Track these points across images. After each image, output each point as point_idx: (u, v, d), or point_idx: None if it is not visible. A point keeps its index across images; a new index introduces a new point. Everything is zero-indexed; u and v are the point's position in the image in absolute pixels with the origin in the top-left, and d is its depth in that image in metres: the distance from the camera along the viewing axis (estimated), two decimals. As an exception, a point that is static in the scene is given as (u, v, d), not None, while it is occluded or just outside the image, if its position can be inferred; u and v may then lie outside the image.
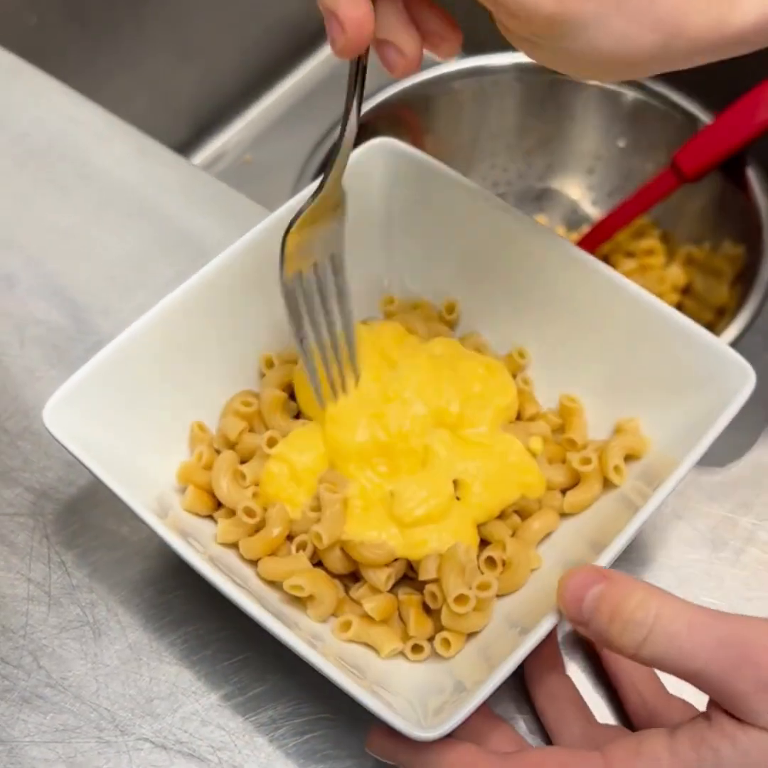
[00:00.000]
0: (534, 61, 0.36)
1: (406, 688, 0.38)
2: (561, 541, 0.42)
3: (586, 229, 0.76)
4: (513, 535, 0.42)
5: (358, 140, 0.50)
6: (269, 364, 0.45)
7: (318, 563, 0.41)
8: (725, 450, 0.45)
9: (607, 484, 0.42)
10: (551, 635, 0.40)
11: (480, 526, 0.41)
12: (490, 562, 0.40)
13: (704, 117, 0.69)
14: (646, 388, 0.42)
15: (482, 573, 0.40)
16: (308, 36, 0.88)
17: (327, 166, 0.38)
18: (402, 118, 0.73)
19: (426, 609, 0.40)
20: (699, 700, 0.35)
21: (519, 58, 0.70)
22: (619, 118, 0.74)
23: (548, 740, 0.40)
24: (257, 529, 0.41)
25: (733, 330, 0.67)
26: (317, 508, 0.40)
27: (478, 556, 0.40)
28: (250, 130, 0.87)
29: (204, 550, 0.40)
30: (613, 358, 0.43)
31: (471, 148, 0.75)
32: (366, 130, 0.70)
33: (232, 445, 0.43)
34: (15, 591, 0.45)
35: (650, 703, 0.39)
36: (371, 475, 0.41)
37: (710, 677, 0.31)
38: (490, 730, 0.38)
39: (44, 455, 0.48)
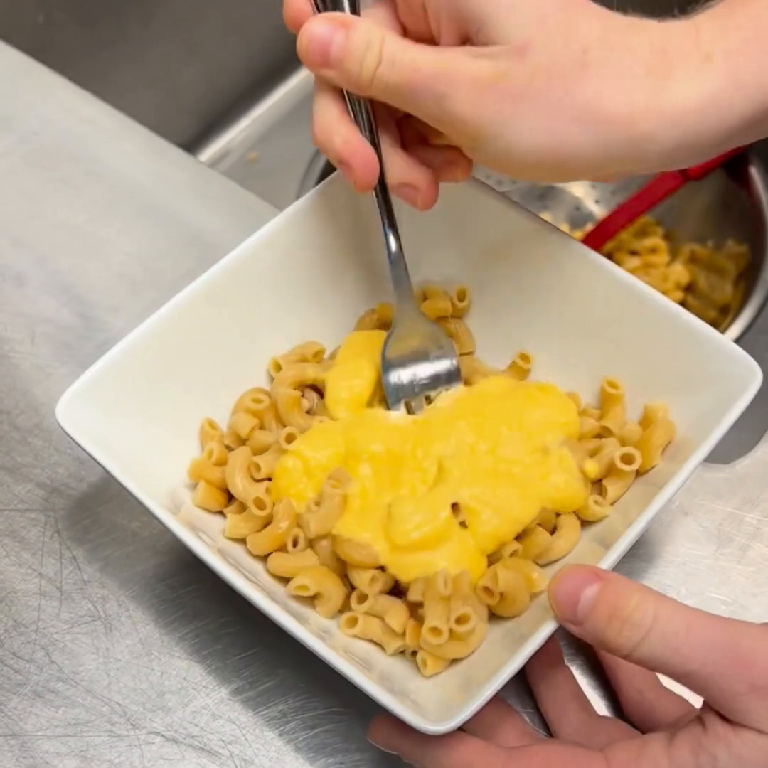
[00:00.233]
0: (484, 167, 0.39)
1: (414, 683, 0.39)
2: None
3: (589, 227, 0.77)
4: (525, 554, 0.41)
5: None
6: (277, 367, 0.46)
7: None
8: (731, 447, 0.46)
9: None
10: None
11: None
12: (487, 591, 0.39)
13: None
14: (653, 386, 0.43)
15: (482, 598, 0.39)
16: (314, 34, 0.88)
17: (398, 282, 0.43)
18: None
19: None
20: (695, 696, 0.35)
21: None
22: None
23: (550, 733, 0.40)
24: (265, 524, 0.41)
25: (736, 328, 0.67)
26: (320, 502, 0.41)
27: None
28: (256, 127, 0.88)
29: (214, 545, 0.40)
30: (619, 357, 0.44)
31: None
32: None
33: (242, 442, 0.44)
34: (27, 586, 0.45)
35: (647, 697, 0.40)
36: (373, 479, 0.41)
37: (704, 678, 0.32)
38: (500, 722, 0.38)
39: (55, 451, 0.49)
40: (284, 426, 0.44)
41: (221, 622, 0.44)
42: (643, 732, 0.39)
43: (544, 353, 0.46)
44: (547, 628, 0.35)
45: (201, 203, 0.57)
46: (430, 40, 0.37)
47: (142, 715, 0.42)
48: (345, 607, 0.41)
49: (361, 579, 0.40)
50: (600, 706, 0.42)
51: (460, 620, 0.38)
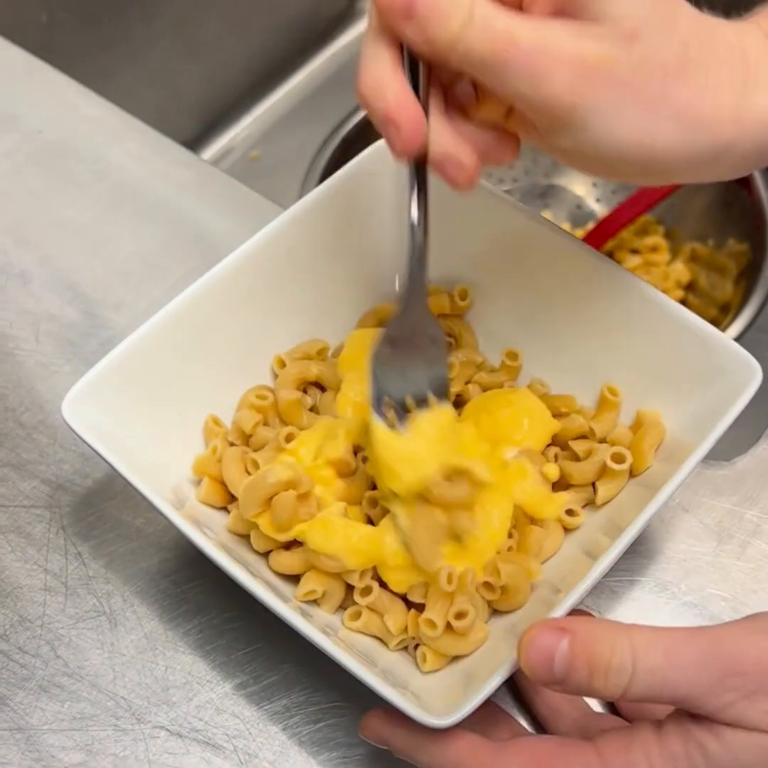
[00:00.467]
0: (565, 164, 0.36)
1: (416, 678, 0.39)
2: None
3: (590, 226, 0.77)
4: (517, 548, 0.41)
5: (365, 139, 0.50)
6: (281, 364, 0.46)
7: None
8: (731, 445, 0.46)
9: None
10: None
11: None
12: (488, 586, 0.40)
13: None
14: (653, 384, 0.43)
15: (484, 595, 0.40)
16: (316, 32, 0.88)
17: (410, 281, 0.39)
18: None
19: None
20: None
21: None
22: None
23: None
24: None
25: (736, 326, 0.68)
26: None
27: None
28: (258, 126, 0.88)
29: (218, 540, 0.40)
30: (619, 354, 0.44)
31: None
32: (371, 129, 0.71)
33: (246, 438, 0.44)
34: (32, 582, 0.46)
35: (580, 722, 0.39)
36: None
37: (696, 699, 0.32)
38: (494, 721, 0.38)
39: (60, 448, 0.49)
40: (286, 424, 0.44)
41: (225, 618, 0.44)
42: None
43: (543, 351, 0.46)
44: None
45: (205, 202, 0.58)
46: (517, 4, 0.34)
47: (146, 710, 0.43)
48: (348, 602, 0.41)
49: (352, 577, 0.40)
50: (593, 702, 0.42)
51: (459, 616, 0.38)
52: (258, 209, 0.57)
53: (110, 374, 0.41)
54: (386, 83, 0.33)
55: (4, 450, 0.49)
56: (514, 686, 0.42)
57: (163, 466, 0.42)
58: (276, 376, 0.46)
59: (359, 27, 0.90)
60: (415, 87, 0.34)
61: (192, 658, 0.44)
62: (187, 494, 0.43)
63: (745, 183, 0.70)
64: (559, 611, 0.35)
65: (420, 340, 0.40)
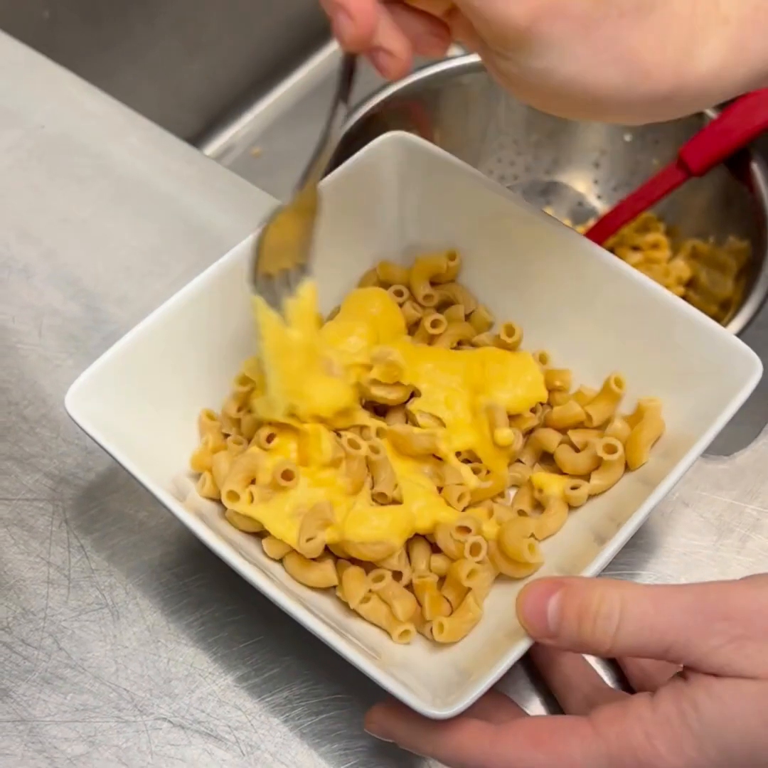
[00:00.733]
0: (501, 85, 0.37)
1: (418, 669, 0.39)
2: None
3: (591, 222, 0.77)
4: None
5: (368, 133, 0.51)
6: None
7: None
8: (731, 439, 0.46)
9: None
10: None
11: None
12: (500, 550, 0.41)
13: (710, 112, 0.69)
14: (654, 378, 0.43)
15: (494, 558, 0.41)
16: (317, 30, 0.88)
17: (308, 166, 0.39)
18: (411, 112, 0.74)
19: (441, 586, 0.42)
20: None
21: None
22: (626, 113, 0.74)
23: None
24: None
25: (737, 323, 0.68)
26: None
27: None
28: (259, 123, 0.88)
29: (220, 531, 0.40)
30: (620, 348, 0.44)
31: (479, 141, 0.76)
32: (375, 123, 0.71)
33: (236, 424, 0.44)
34: (35, 574, 0.46)
35: (649, 671, 0.40)
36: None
37: (682, 647, 0.32)
38: (496, 708, 0.39)
39: (63, 442, 0.49)
40: None
41: (227, 610, 0.45)
42: None
43: (541, 343, 0.46)
44: None
45: (207, 197, 0.58)
46: None
47: (149, 701, 0.43)
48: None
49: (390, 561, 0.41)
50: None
51: (473, 550, 0.40)
52: (260, 204, 0.57)
53: (113, 368, 0.42)
54: None
55: (7, 444, 0.49)
56: (530, 662, 0.43)
57: (166, 459, 0.43)
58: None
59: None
60: None
61: (194, 651, 0.44)
62: (189, 487, 0.43)
63: (746, 180, 0.70)
64: None
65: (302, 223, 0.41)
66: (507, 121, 0.76)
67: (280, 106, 0.89)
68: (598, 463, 0.42)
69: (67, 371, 0.52)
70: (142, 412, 0.42)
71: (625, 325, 0.43)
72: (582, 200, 0.80)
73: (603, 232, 0.74)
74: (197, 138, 0.87)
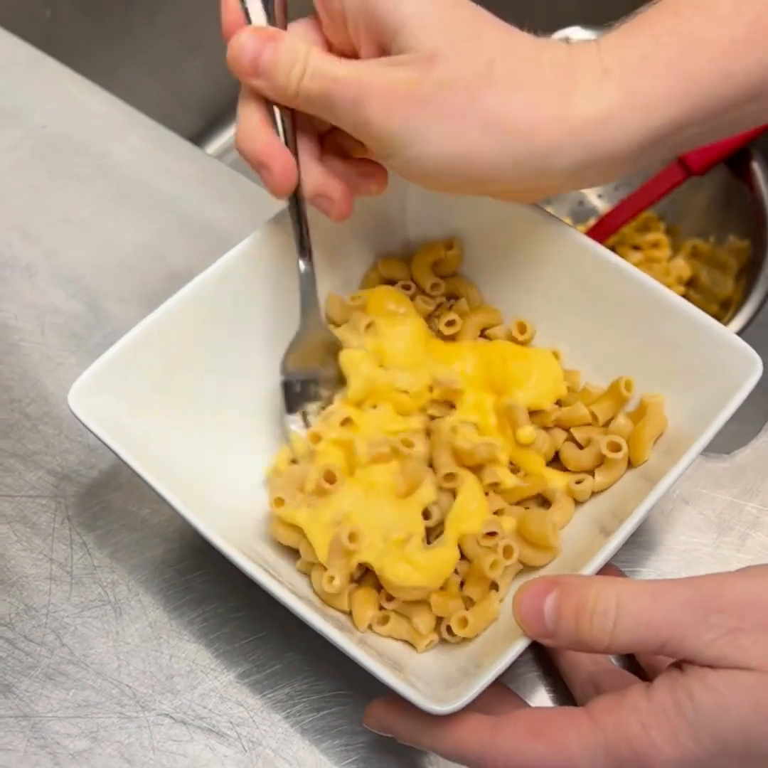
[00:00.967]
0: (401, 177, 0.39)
1: (418, 664, 0.40)
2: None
3: (592, 221, 0.77)
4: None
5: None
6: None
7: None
8: (731, 437, 0.47)
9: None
10: None
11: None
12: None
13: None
14: (655, 376, 0.43)
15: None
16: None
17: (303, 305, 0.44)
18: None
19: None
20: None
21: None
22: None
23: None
24: None
25: (737, 322, 0.68)
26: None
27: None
28: (260, 122, 0.88)
29: (222, 529, 0.40)
30: (620, 346, 0.44)
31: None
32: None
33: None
34: (38, 571, 0.46)
35: (595, 676, 0.40)
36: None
37: (678, 641, 0.32)
38: (499, 702, 0.39)
39: (65, 439, 0.49)
40: None
41: (229, 607, 0.45)
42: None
43: (542, 341, 0.46)
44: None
45: (209, 195, 0.58)
46: (354, 55, 0.39)
47: (151, 698, 0.43)
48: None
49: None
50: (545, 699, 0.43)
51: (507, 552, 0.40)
52: (262, 203, 0.57)
53: (116, 365, 0.42)
54: (256, 136, 0.39)
55: (10, 441, 0.49)
56: (538, 650, 0.43)
57: (168, 456, 0.43)
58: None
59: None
60: (293, 135, 0.40)
61: (196, 647, 0.44)
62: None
63: (746, 180, 0.71)
64: None
65: (318, 352, 0.45)
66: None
67: (281, 105, 0.89)
68: (602, 460, 0.43)
69: (70, 369, 0.52)
70: (145, 408, 0.43)
71: (626, 323, 0.43)
72: (583, 199, 0.80)
73: (604, 231, 0.74)
74: (198, 137, 0.87)
